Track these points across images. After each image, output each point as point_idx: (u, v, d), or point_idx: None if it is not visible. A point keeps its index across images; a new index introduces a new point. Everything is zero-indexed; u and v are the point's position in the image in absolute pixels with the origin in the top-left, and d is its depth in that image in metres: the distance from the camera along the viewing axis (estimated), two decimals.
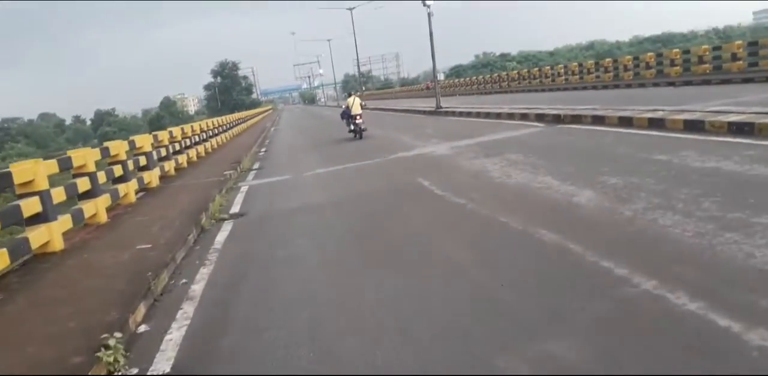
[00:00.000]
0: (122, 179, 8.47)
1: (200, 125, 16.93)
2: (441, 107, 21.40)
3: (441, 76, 24.98)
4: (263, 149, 17.72)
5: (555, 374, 2.52)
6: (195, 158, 14.83)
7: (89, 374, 3.04)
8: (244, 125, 33.30)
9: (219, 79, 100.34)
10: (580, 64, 30.22)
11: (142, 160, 9.69)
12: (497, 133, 11.71)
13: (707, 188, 5.04)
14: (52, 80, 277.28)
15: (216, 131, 20.72)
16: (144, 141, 9.94)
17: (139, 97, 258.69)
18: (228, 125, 25.48)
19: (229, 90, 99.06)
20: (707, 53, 20.61)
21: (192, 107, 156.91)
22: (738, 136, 7.22)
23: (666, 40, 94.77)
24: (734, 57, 18.85)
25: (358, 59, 44.52)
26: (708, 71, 19.82)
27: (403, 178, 8.20)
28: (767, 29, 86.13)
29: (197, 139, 15.91)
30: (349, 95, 17.69)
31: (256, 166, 13.13)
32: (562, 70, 31.23)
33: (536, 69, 36.92)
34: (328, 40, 61.28)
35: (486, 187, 6.64)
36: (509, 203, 5.69)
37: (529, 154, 8.28)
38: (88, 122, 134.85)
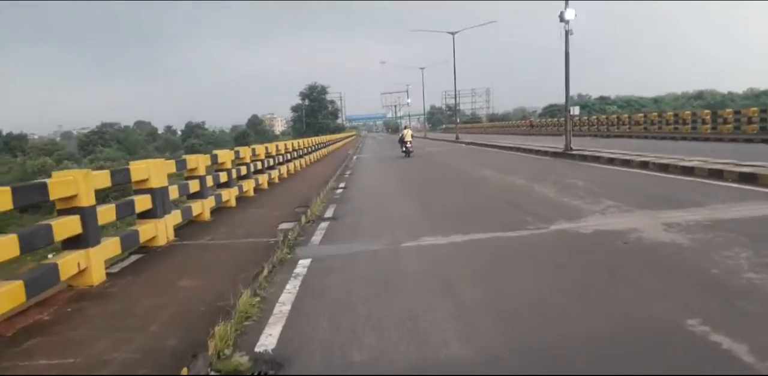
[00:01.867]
0: (79, 241, 4.48)
1: (266, 148, 13.17)
2: (572, 149, 16.73)
3: (577, 111, 19.65)
4: (342, 185, 13.74)
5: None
6: (251, 192, 10.99)
7: None
8: (324, 151, 29.90)
9: (307, 101, 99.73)
10: (694, 114, 27.28)
11: (142, 202, 5.73)
12: (736, 206, 7.02)
13: None
14: (152, 90, 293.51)
15: (290, 156, 17.10)
16: (152, 168, 5.98)
17: (232, 114, 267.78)
18: (307, 149, 21.97)
19: (315, 113, 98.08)
20: None
21: (279, 127, 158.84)
22: None
23: None
24: None
25: (455, 84, 39.79)
26: None
27: (642, 310, 3.68)
28: None
29: (259, 166, 12.14)
30: (405, 128, 26.21)
31: (329, 213, 9.05)
32: (689, 118, 27.36)
33: (654, 114, 32.28)
34: (422, 68, 57.80)
35: None
36: None
37: None
38: (179, 133, 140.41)
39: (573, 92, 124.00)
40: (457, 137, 36.61)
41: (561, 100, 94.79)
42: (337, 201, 10.61)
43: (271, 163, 13.70)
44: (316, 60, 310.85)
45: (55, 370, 2.95)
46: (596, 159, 14.36)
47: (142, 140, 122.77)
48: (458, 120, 47.76)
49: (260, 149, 12.60)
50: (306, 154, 21.69)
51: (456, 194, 10.56)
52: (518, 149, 21.66)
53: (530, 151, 20.06)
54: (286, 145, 16.99)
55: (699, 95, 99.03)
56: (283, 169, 15.22)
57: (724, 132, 22.63)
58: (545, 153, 18.31)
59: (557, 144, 20.64)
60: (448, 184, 12.57)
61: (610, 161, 13.58)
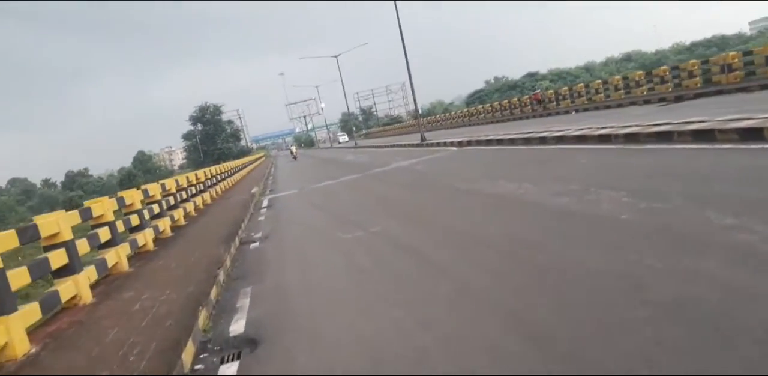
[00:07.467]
0: None
1: None
2: None
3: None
4: None
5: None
6: None
7: None
8: (207, 194, 15.87)
9: (200, 126, 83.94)
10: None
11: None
12: None
13: None
14: (27, 144, 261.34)
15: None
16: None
17: (126, 155, 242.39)
18: (161, 206, 8.08)
19: (212, 138, 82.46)
20: None
21: (178, 161, 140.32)
22: None
23: (720, 43, 79.27)
24: None
25: (406, 57, 25.69)
26: None
27: None
28: None
29: None
30: (292, 146, 58.89)
31: None
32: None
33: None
34: (335, 57, 44.84)
35: None
36: None
37: None
38: (59, 186, 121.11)
39: (488, 76, 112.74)
40: (423, 138, 23.18)
41: (477, 87, 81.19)
42: None
43: None
44: (212, 86, 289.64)
45: None
46: None
47: (12, 201, 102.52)
48: (419, 110, 32.60)
49: None
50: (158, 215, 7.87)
51: None
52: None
53: None
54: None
55: (628, 57, 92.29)
56: None
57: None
58: None
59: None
60: None
61: None
